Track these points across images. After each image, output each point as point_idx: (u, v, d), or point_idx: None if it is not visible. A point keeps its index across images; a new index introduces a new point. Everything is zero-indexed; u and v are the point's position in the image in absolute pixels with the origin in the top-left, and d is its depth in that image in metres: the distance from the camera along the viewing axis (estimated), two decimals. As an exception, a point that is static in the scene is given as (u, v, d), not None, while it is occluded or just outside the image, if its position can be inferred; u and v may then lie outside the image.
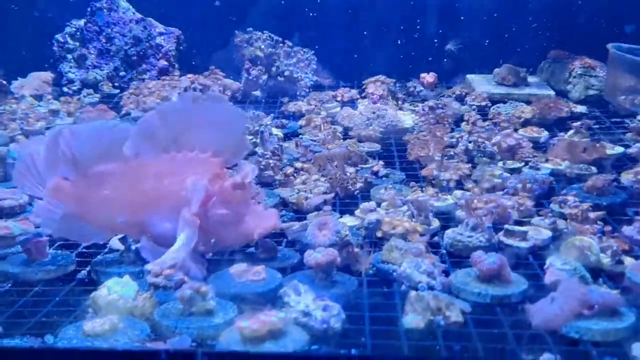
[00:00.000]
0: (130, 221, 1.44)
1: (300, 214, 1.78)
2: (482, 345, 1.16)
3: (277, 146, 2.15)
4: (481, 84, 2.89)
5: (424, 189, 1.89)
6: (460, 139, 2.21)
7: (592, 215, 1.65)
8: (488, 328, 1.22)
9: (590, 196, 1.79)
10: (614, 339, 1.18)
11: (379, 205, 1.79)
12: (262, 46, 2.89)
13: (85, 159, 1.43)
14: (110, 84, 3.01)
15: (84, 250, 1.58)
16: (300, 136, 2.34)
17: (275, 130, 2.36)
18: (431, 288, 1.34)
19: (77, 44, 3.08)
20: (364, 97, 2.76)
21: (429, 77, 2.91)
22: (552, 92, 2.77)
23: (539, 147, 2.22)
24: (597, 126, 2.42)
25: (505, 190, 1.85)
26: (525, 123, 2.41)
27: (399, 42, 3.17)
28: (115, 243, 1.55)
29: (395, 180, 1.99)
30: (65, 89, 2.96)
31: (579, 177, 1.96)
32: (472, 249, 1.50)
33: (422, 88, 2.87)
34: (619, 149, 2.17)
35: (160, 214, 1.43)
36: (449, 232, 1.59)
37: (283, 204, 1.83)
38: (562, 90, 2.81)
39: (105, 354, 1.03)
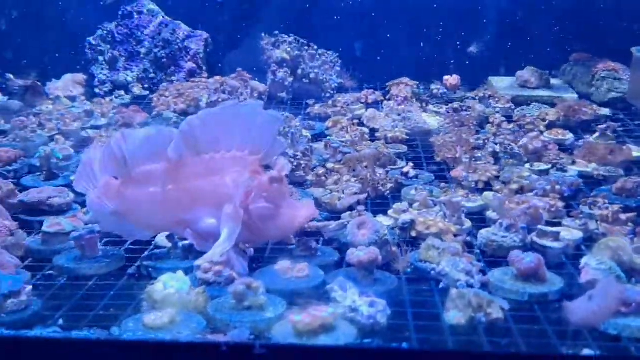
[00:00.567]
0: (174, 219, 1.50)
1: (333, 213, 1.83)
2: (523, 340, 1.20)
3: (307, 147, 2.20)
4: (504, 86, 2.92)
5: (453, 189, 1.93)
6: (486, 141, 2.25)
7: (623, 216, 1.69)
8: (528, 325, 1.27)
9: (619, 198, 1.84)
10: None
11: (410, 205, 1.84)
12: (289, 49, 2.95)
13: (134, 160, 1.49)
14: (140, 86, 3.07)
15: (130, 246, 1.64)
16: (328, 137, 2.38)
17: (304, 132, 2.41)
18: (470, 286, 1.38)
19: (108, 46, 3.15)
20: (389, 99, 2.80)
21: (452, 80, 2.94)
22: (575, 95, 2.80)
23: (565, 149, 2.25)
24: (621, 129, 2.46)
25: (534, 192, 1.89)
26: (550, 125, 2.45)
27: (421, 45, 3.22)
28: (161, 240, 1.60)
29: (424, 181, 2.03)
30: (97, 90, 3.03)
31: (606, 179, 2.00)
32: (506, 249, 1.54)
33: (445, 90, 2.91)
34: (645, 152, 2.20)
35: (203, 211, 1.48)
36: (483, 232, 1.63)
37: (316, 204, 1.88)
38: (585, 93, 2.83)
39: (169, 345, 1.09)
